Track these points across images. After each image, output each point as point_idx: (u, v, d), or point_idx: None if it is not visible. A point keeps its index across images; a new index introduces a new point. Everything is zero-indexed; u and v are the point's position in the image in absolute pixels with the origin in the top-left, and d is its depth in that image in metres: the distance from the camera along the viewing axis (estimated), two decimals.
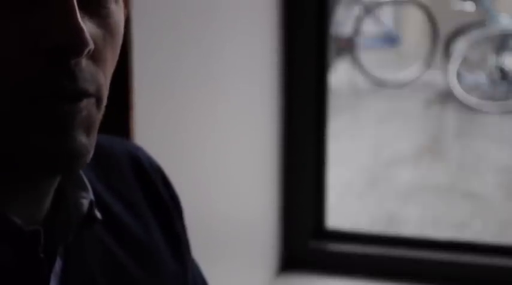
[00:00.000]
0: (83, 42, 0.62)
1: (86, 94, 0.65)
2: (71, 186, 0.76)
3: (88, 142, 0.67)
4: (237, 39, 1.91)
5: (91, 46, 0.63)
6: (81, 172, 0.76)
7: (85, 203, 0.75)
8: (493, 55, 6.07)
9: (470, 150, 5.03)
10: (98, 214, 0.76)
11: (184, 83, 1.66)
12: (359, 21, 6.76)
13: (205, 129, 1.78)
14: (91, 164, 0.80)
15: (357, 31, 6.69)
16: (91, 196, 0.75)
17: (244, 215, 2.05)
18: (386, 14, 7.48)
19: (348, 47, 6.60)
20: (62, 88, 0.64)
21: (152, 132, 1.50)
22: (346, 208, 4.05)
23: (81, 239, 0.76)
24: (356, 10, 6.82)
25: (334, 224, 2.45)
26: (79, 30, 0.62)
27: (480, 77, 6.08)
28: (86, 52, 0.63)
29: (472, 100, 5.77)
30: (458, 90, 5.81)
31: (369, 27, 7.01)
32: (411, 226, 3.91)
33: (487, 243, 2.35)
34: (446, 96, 5.91)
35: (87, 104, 0.66)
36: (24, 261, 0.69)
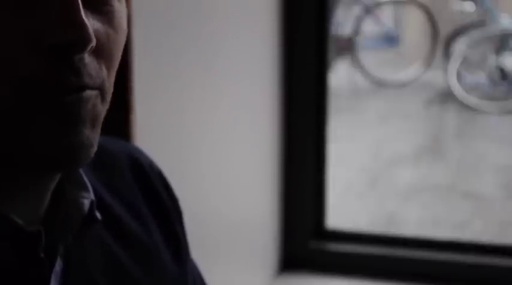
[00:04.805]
0: (86, 38, 0.63)
1: (88, 87, 0.66)
2: (71, 185, 0.75)
3: (92, 135, 0.67)
4: (237, 40, 1.91)
5: (94, 42, 0.63)
6: (81, 172, 0.76)
7: (86, 203, 0.75)
8: (493, 55, 6.07)
9: (470, 150, 5.03)
10: (99, 215, 0.76)
11: (184, 84, 1.66)
12: (359, 21, 6.75)
13: (205, 130, 1.78)
14: (91, 165, 0.80)
15: (357, 31, 6.69)
16: (92, 196, 0.75)
17: (244, 215, 2.06)
18: (386, 14, 7.48)
19: (348, 46, 6.60)
20: (67, 83, 0.64)
21: (152, 133, 1.50)
22: (346, 208, 4.05)
23: (81, 239, 0.76)
24: (356, 10, 6.82)
25: (334, 224, 2.45)
26: (83, 26, 0.62)
27: (480, 77, 6.08)
28: (89, 48, 0.63)
29: (472, 100, 5.77)
30: (458, 90, 5.81)
31: (369, 27, 7.01)
32: (411, 226, 3.91)
33: (487, 243, 2.35)
34: (446, 96, 5.91)
35: (90, 95, 0.66)
36: (25, 261, 0.69)
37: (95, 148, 0.67)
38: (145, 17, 1.43)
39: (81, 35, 0.62)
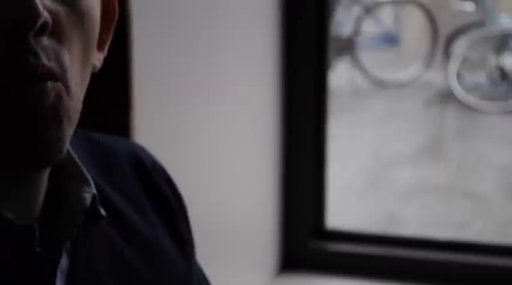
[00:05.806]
0: (35, 14, 0.61)
1: (51, 75, 0.63)
2: (72, 181, 0.74)
3: (60, 132, 0.64)
4: (237, 39, 1.91)
5: (44, 19, 0.62)
6: (82, 167, 0.75)
7: (87, 197, 0.73)
8: (493, 55, 6.07)
9: (470, 150, 5.03)
10: (102, 211, 0.75)
11: (184, 83, 1.66)
12: (359, 21, 6.76)
13: (205, 130, 1.78)
14: (93, 162, 0.80)
15: (357, 31, 6.69)
16: (94, 190, 0.74)
17: (244, 215, 2.06)
18: (386, 14, 7.48)
19: (348, 47, 6.60)
20: (26, 66, 0.62)
21: (152, 132, 1.50)
22: (346, 208, 4.05)
23: (87, 236, 0.75)
24: (356, 10, 6.82)
25: (334, 224, 2.45)
26: (28, 2, 0.61)
27: (480, 77, 6.08)
28: (39, 24, 0.62)
29: (472, 100, 5.77)
30: (458, 90, 5.81)
31: (369, 27, 7.01)
32: (411, 226, 3.91)
33: (487, 243, 2.35)
34: (446, 96, 5.91)
35: (53, 87, 0.64)
36: (21, 256, 0.68)
37: (64, 147, 0.65)
38: (145, 17, 1.43)
39: (28, 11, 0.61)
